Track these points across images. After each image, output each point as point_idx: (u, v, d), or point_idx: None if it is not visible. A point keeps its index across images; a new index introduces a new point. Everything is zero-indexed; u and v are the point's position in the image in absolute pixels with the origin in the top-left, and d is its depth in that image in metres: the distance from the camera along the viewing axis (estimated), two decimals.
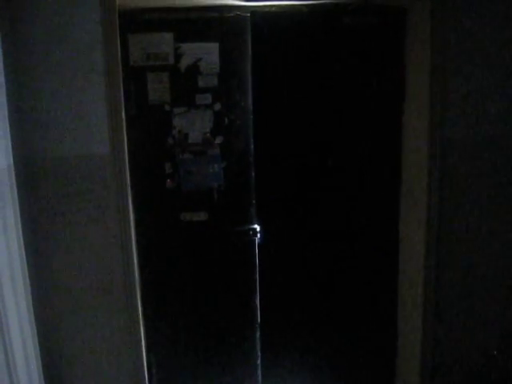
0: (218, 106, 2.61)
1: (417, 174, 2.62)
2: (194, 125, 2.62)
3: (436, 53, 2.43)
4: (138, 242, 2.58)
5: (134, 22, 2.48)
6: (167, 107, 2.58)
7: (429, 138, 2.49)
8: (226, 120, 2.64)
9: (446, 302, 2.63)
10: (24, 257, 2.12)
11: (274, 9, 2.56)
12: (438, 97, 2.46)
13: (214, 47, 2.56)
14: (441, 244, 2.57)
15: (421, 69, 2.52)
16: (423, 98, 2.52)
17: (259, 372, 2.91)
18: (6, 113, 2.02)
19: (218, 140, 2.65)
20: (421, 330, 2.65)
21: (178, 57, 2.54)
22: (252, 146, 2.68)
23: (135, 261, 2.46)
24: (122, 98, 2.29)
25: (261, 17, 2.56)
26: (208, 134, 2.64)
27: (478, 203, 2.56)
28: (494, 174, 2.54)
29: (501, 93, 2.49)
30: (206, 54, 2.55)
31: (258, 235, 2.76)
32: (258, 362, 2.90)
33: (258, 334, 2.86)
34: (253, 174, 2.71)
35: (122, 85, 2.28)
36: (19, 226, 2.10)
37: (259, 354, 2.89)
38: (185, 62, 2.55)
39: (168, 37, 2.51)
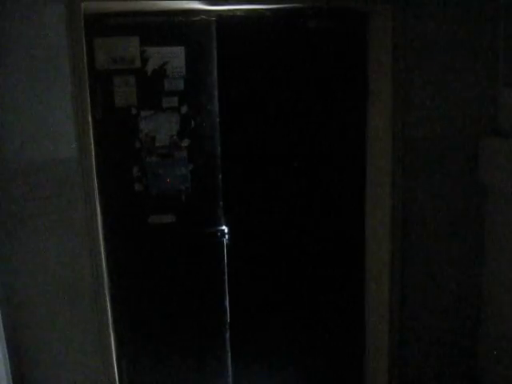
0: (184, 109, 2.63)
1: (380, 172, 2.70)
2: (160, 128, 2.63)
3: (397, 54, 2.51)
4: (106, 245, 2.57)
5: (100, 26, 2.47)
6: (134, 110, 2.59)
7: (392, 136, 2.58)
8: (193, 123, 2.66)
9: (411, 294, 2.73)
10: None
11: (238, 13, 2.60)
12: (400, 97, 2.55)
13: (180, 51, 2.58)
14: (405, 239, 2.67)
15: (383, 70, 2.60)
16: (386, 98, 2.60)
17: (230, 372, 2.93)
18: None
19: (185, 143, 2.67)
20: (387, 324, 2.74)
21: (145, 60, 2.55)
22: (219, 148, 2.70)
23: (104, 264, 2.46)
24: (89, 102, 2.30)
25: (226, 21, 2.59)
26: (175, 137, 2.65)
27: (438, 198, 2.67)
28: (453, 169, 2.65)
29: (457, 93, 2.59)
30: (173, 57, 2.57)
31: (226, 236, 2.78)
32: (229, 362, 2.92)
33: (227, 334, 2.89)
34: (220, 176, 2.73)
35: (88, 88, 2.28)
36: None
37: (229, 354, 2.91)
38: (151, 66, 2.56)
39: (134, 40, 2.52)
